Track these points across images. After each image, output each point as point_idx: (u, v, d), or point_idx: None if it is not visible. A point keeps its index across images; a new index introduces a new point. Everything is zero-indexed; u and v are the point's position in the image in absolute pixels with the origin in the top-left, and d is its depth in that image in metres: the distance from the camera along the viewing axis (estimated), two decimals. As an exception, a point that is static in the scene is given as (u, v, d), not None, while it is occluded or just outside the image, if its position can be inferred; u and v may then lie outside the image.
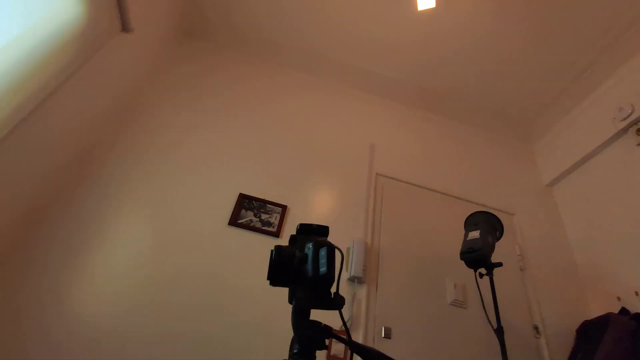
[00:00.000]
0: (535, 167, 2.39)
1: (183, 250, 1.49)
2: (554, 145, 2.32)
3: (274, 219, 1.65)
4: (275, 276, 0.65)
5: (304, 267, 0.64)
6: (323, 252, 0.63)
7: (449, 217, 1.91)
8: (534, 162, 2.42)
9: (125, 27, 1.58)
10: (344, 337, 0.63)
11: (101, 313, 1.29)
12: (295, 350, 0.59)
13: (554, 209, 2.19)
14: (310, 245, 0.66)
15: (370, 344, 1.45)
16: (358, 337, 1.46)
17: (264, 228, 1.61)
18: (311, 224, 0.72)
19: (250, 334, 1.37)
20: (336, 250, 0.63)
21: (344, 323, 0.63)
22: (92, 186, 1.54)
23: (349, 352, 1.38)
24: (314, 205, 1.79)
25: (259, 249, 1.56)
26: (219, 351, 1.32)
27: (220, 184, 1.71)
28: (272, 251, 0.67)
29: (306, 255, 0.65)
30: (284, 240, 1.62)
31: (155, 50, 1.99)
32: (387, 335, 1.49)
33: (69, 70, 1.33)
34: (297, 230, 0.72)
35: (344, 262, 0.70)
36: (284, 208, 1.69)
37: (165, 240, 1.50)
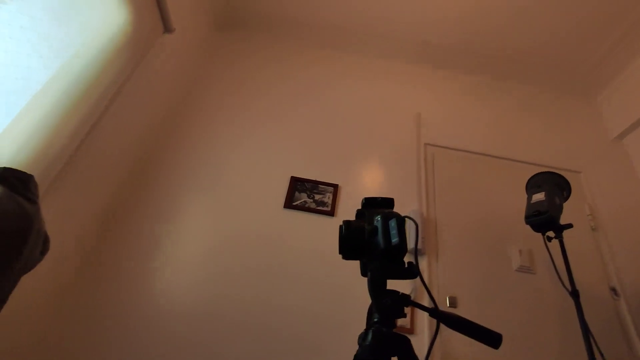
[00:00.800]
0: (600, 122, 2.19)
1: (244, 238, 1.56)
2: (620, 96, 2.11)
3: (327, 198, 1.67)
4: (347, 250, 0.67)
5: (374, 240, 0.65)
6: (393, 223, 0.64)
7: (507, 182, 1.82)
8: (597, 117, 2.22)
9: (167, 28, 1.64)
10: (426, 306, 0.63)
11: (174, 301, 1.40)
12: (375, 319, 0.60)
13: (624, 163, 2.01)
14: (378, 217, 0.66)
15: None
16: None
17: (318, 208, 1.64)
18: (375, 197, 0.73)
19: (319, 312, 1.43)
20: (407, 220, 0.63)
21: (428, 291, 0.63)
22: (157, 185, 1.66)
23: (416, 322, 1.40)
24: (365, 181, 1.79)
25: (315, 229, 1.60)
26: (286, 340, 1.38)
27: (273, 169, 1.76)
28: (341, 226, 0.69)
29: (376, 227, 0.65)
30: (338, 219, 1.64)
31: (196, 47, 2.05)
32: (453, 305, 1.48)
33: (122, 77, 1.41)
34: (363, 204, 0.72)
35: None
36: (335, 187, 1.71)
37: (228, 230, 1.58)
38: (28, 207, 0.61)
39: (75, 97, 1.17)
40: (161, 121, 1.81)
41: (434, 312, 0.61)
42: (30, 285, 1.14)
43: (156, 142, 1.77)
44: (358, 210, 0.73)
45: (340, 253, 0.68)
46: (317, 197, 1.68)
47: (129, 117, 1.54)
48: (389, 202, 0.72)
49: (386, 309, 0.59)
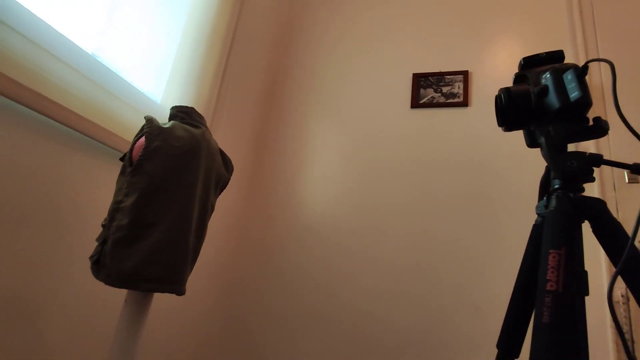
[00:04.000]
0: None
1: (374, 147, 1.58)
2: None
3: (457, 88, 1.52)
4: (510, 120, 0.60)
5: (545, 101, 0.56)
6: (570, 76, 0.53)
7: None
8: None
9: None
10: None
11: (316, 212, 1.56)
12: (556, 186, 0.55)
13: None
14: (547, 75, 0.57)
15: (610, 190, 1.26)
16: (595, 182, 1.29)
17: (449, 101, 1.52)
18: (538, 54, 0.62)
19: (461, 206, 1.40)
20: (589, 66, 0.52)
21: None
22: (289, 107, 1.77)
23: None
24: (500, 58, 1.55)
25: (448, 124, 1.50)
26: (434, 241, 1.41)
27: (392, 69, 1.67)
28: (498, 97, 0.61)
29: (545, 86, 0.56)
30: (474, 109, 1.50)
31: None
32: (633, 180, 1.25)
33: (237, 9, 1.46)
34: (522, 66, 0.63)
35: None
36: (465, 74, 1.53)
37: (356, 142, 1.61)
38: (194, 131, 0.72)
39: (207, 39, 1.28)
40: (279, 43, 1.87)
41: (635, 167, 0.51)
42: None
43: (279, 64, 1.85)
44: (517, 74, 0.63)
45: (501, 125, 0.62)
46: (445, 89, 1.54)
47: (251, 46, 1.63)
48: (557, 56, 0.60)
49: (572, 172, 0.53)
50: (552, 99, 0.55)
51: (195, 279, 1.34)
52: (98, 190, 0.94)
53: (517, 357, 0.57)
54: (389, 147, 1.56)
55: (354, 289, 1.42)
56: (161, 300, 1.17)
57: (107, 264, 0.62)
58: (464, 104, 1.50)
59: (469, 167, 1.42)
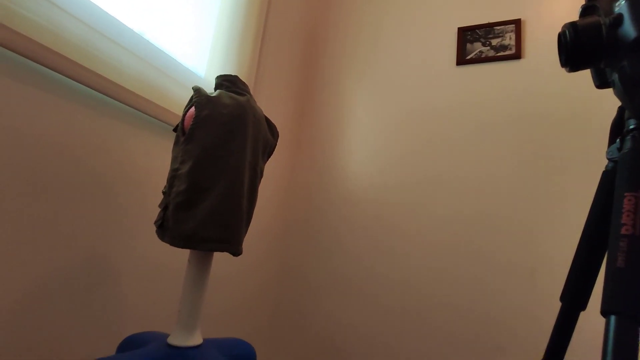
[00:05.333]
0: None
1: (418, 113, 1.52)
2: None
3: (509, 39, 1.41)
4: (576, 58, 0.55)
5: (619, 31, 0.50)
6: (651, -1, 0.47)
7: None
8: None
9: None
10: None
11: (363, 186, 1.54)
12: (631, 127, 0.50)
13: None
14: (622, 1, 0.50)
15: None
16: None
17: (499, 54, 1.41)
18: (610, -20, 0.55)
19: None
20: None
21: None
22: (324, 67, 1.75)
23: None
24: (557, 2, 1.40)
25: (500, 80, 1.40)
26: (482, 216, 1.35)
27: (434, 25, 1.57)
28: (561, 34, 0.56)
29: (620, 14, 0.50)
30: (527, 61, 1.38)
31: None
32: None
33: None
34: (590, -3, 0.56)
35: None
36: (517, 23, 1.41)
37: (400, 109, 1.56)
38: (240, 98, 0.74)
39: (244, 10, 1.28)
40: (315, 7, 1.83)
41: None
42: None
43: (316, 30, 1.82)
44: (584, 5, 0.57)
45: (565, 65, 0.56)
46: (494, 42, 1.43)
47: (287, 13, 1.61)
48: (632, -20, 0.53)
49: (651, 108, 0.47)
50: (628, 28, 0.49)
51: (249, 241, 1.41)
52: (155, 161, 1.00)
53: (584, 309, 0.54)
54: (434, 111, 1.49)
55: (396, 262, 1.42)
56: (221, 260, 1.25)
57: (170, 227, 0.66)
58: (517, 56, 1.39)
59: (523, 125, 1.33)
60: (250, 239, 1.42)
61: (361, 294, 1.44)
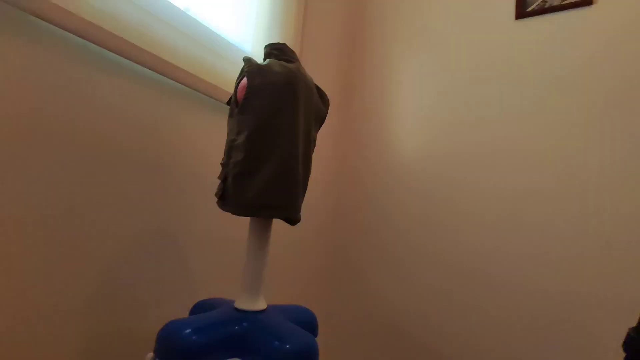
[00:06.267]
0: None
1: (471, 78, 1.42)
2: None
3: (577, -17, 1.26)
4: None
5: None
6: None
7: None
8: None
9: None
10: None
11: (412, 160, 1.48)
12: None
13: None
14: None
15: None
16: None
17: (566, 2, 1.27)
18: None
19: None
20: None
21: None
22: (370, 34, 1.70)
23: None
24: None
25: (567, 32, 1.26)
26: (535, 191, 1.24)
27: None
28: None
29: None
30: (600, 7, 1.23)
31: None
32: None
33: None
34: None
35: None
36: (587, -36, 1.25)
37: (450, 74, 1.47)
38: (290, 66, 0.73)
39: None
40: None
41: None
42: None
43: None
44: None
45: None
46: (560, -12, 1.28)
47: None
48: None
49: None
50: None
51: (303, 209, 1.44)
52: (209, 136, 1.03)
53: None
54: (490, 73, 1.38)
55: (449, 242, 1.36)
56: (276, 232, 1.29)
57: (231, 197, 0.68)
58: (587, 2, 1.23)
59: (596, 85, 1.19)
60: (302, 212, 1.44)
61: (411, 272, 1.41)
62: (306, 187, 0.75)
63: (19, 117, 0.65)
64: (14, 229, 0.64)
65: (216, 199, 0.73)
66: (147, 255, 0.86)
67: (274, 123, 0.68)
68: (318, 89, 0.81)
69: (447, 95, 1.46)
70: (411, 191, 1.47)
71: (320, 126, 0.82)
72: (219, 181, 0.73)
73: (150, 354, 0.64)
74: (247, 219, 1.06)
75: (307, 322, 0.80)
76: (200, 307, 0.78)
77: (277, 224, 1.27)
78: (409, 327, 1.39)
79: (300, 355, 0.61)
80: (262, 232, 0.73)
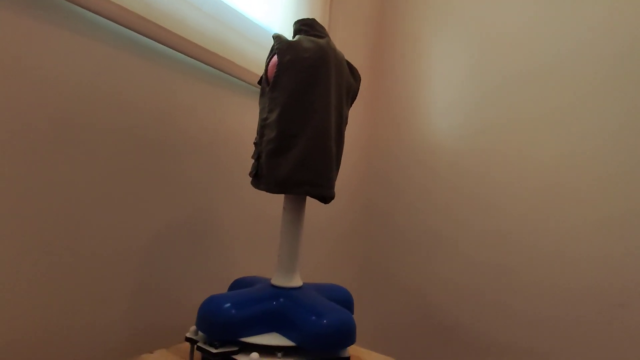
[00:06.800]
0: None
1: (511, 55, 1.34)
2: None
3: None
4: None
5: None
6: None
7: None
8: None
9: None
10: None
11: (446, 132, 1.43)
12: None
13: None
14: None
15: None
16: None
17: (619, -42, 1.15)
18: None
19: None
20: None
21: None
22: (404, 4, 1.64)
23: None
24: None
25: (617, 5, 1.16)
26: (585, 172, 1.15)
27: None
28: None
29: None
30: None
31: None
32: None
33: None
34: None
35: None
36: None
37: (490, 27, 1.39)
38: (320, 41, 0.71)
39: None
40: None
41: None
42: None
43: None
44: None
45: None
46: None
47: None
48: None
49: None
50: None
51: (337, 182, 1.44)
52: (241, 119, 1.04)
53: None
54: (531, 33, 1.30)
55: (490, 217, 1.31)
56: (310, 209, 1.30)
57: (264, 175, 0.69)
58: (644, -44, 1.12)
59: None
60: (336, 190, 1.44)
61: (451, 247, 1.39)
62: (339, 164, 0.75)
63: (61, 102, 0.68)
64: (57, 213, 0.68)
65: (250, 179, 0.74)
66: (185, 236, 0.89)
67: (306, 99, 0.67)
68: (349, 64, 0.79)
69: (485, 60, 1.39)
70: (446, 166, 1.44)
71: (352, 102, 0.81)
72: (252, 161, 0.74)
73: (193, 327, 0.67)
74: (282, 197, 1.07)
75: (344, 300, 0.80)
76: (238, 284, 0.80)
77: (310, 203, 1.27)
78: (453, 309, 1.37)
79: (337, 330, 0.62)
80: (296, 210, 0.73)
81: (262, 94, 0.75)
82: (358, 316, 1.54)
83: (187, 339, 0.66)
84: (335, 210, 1.44)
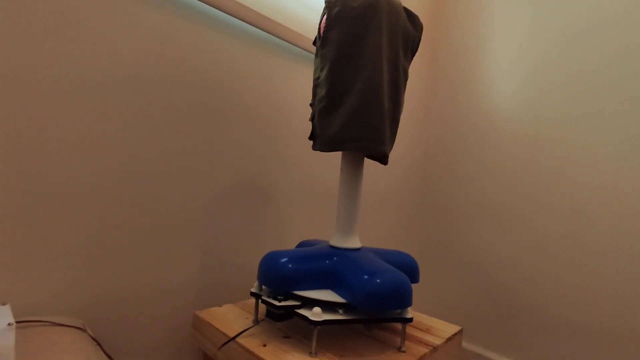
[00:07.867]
0: None
1: (578, 22, 1.05)
2: None
3: None
4: None
5: None
6: None
7: None
8: None
9: None
10: None
11: (509, 101, 1.21)
12: None
13: None
14: None
15: None
16: None
17: None
18: None
19: None
20: None
21: None
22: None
23: None
24: None
25: None
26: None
27: None
28: None
29: None
30: None
31: None
32: None
33: None
34: None
35: None
36: None
37: (565, 13, 1.13)
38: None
39: None
40: None
41: None
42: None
43: None
44: None
45: None
46: None
47: None
48: None
49: None
50: None
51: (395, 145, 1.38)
52: (298, 85, 1.04)
53: None
54: (615, 18, 1.01)
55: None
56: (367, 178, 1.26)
57: (318, 134, 0.68)
58: None
59: None
60: (391, 160, 1.37)
61: (516, 220, 1.22)
62: (397, 121, 0.70)
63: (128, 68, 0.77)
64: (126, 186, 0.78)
65: (311, 142, 0.74)
66: (248, 201, 0.94)
67: (355, 52, 0.64)
68: (408, 11, 0.72)
69: (544, 36, 1.16)
70: (505, 134, 1.27)
71: (414, 54, 0.74)
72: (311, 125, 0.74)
73: (257, 283, 0.71)
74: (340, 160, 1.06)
75: (407, 266, 0.76)
76: (303, 245, 0.82)
77: (370, 173, 1.23)
78: (518, 285, 1.21)
79: (390, 291, 0.59)
80: (352, 170, 0.71)
81: (316, 54, 0.74)
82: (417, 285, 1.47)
83: (252, 294, 0.70)
84: (394, 179, 1.37)
